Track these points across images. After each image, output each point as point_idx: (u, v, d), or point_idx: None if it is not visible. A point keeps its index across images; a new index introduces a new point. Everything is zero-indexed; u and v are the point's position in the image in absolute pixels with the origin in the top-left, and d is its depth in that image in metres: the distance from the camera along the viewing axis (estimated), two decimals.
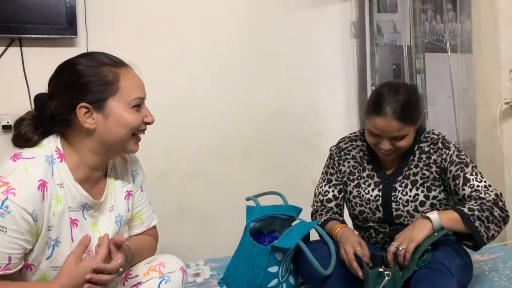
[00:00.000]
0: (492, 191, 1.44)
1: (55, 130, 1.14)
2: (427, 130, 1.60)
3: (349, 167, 1.65)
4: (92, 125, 1.11)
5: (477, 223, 1.35)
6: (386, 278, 1.32)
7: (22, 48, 1.93)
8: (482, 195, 1.42)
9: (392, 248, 1.36)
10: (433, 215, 1.36)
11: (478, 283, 1.59)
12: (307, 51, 2.49)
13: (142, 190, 1.34)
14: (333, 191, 1.68)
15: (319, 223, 1.62)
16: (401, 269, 1.35)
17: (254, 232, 1.60)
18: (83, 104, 1.09)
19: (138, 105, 1.16)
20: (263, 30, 2.38)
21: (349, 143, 1.69)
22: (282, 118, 2.45)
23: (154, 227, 1.39)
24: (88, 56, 1.16)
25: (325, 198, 1.69)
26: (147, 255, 1.31)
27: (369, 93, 2.44)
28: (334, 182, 1.68)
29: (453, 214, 1.38)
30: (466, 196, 1.45)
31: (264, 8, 2.38)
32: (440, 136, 1.56)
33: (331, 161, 1.70)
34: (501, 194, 1.45)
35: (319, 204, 1.70)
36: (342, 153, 1.68)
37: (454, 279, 1.31)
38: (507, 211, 1.40)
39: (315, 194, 1.74)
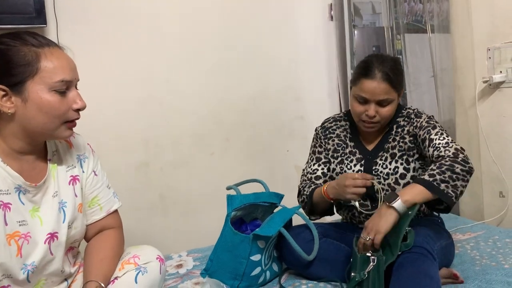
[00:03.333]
0: (451, 147, 1.43)
1: None
2: (404, 107, 1.66)
3: (333, 145, 1.69)
4: (11, 109, 1.04)
5: (442, 186, 1.34)
6: (372, 264, 1.32)
7: None
8: (442, 153, 1.42)
9: (361, 240, 1.37)
10: (396, 203, 1.33)
11: (460, 263, 1.61)
12: (287, 34, 2.46)
13: (96, 174, 1.28)
14: (322, 168, 1.70)
15: (306, 196, 1.64)
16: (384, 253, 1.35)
17: (236, 221, 1.59)
18: (0, 86, 1.03)
19: (63, 89, 1.07)
20: (241, 14, 2.34)
21: (334, 123, 1.74)
22: (263, 104, 2.42)
23: (116, 211, 1.32)
24: (12, 35, 1.07)
25: (313, 176, 1.70)
26: (117, 260, 1.24)
27: (349, 76, 2.43)
28: (323, 160, 1.71)
29: (417, 187, 1.35)
30: (430, 156, 1.47)
31: None
32: (414, 110, 1.62)
33: (318, 140, 1.74)
34: (461, 148, 1.44)
35: (307, 181, 1.71)
36: (327, 131, 1.72)
37: (437, 263, 1.31)
38: (469, 163, 1.39)
39: (303, 173, 1.75)
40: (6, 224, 1.06)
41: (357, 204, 1.55)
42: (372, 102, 1.51)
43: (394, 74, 1.51)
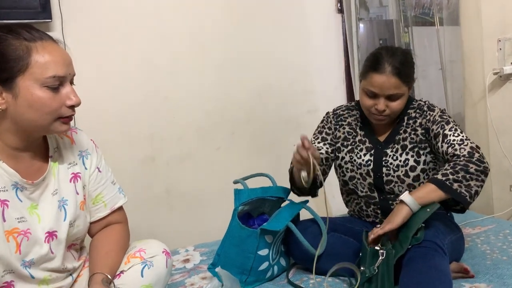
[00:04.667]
0: (467, 145, 1.41)
1: None
2: (415, 99, 1.63)
3: (344, 133, 1.66)
4: (2, 105, 1.01)
5: (455, 186, 1.33)
6: (381, 258, 1.31)
7: None
8: (457, 152, 1.40)
9: (373, 230, 1.37)
10: (405, 197, 1.34)
11: (471, 257, 1.59)
12: (294, 27, 2.43)
13: (100, 171, 1.25)
14: (327, 148, 1.65)
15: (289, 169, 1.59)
16: (394, 247, 1.33)
17: (244, 215, 1.57)
18: None
19: (56, 85, 1.03)
20: (248, 7, 2.31)
21: (346, 111, 1.71)
22: (269, 98, 2.40)
23: (121, 208, 1.30)
24: (5, 28, 1.03)
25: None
26: (123, 253, 1.24)
27: (355, 69, 2.41)
28: (329, 141, 1.67)
29: (429, 186, 1.36)
30: (444, 153, 1.45)
31: None
32: (426, 102, 1.60)
33: (328, 123, 1.70)
34: (477, 146, 1.42)
35: None
36: (339, 119, 1.69)
37: (447, 257, 1.30)
38: (484, 163, 1.37)
39: None
40: (4, 221, 1.05)
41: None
42: (381, 97, 1.48)
43: (405, 67, 1.47)
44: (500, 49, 2.20)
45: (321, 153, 1.63)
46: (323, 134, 1.68)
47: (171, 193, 2.21)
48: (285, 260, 1.60)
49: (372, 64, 1.49)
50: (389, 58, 1.46)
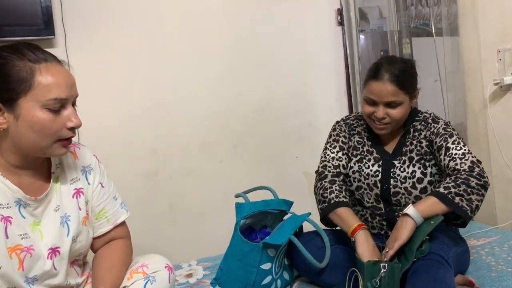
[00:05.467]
0: (468, 159, 1.42)
1: None
2: (421, 111, 1.63)
3: (354, 142, 1.66)
4: (3, 125, 1.02)
5: (456, 200, 1.33)
6: (382, 270, 1.29)
7: None
8: (458, 166, 1.40)
9: (386, 255, 1.34)
10: (409, 210, 1.34)
11: (475, 269, 1.58)
12: (295, 40, 2.45)
13: (103, 186, 1.25)
14: (345, 158, 1.61)
15: (331, 201, 1.48)
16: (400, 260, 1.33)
17: (246, 229, 1.57)
18: None
19: (57, 107, 1.03)
20: (248, 21, 2.33)
21: (355, 121, 1.71)
22: (270, 111, 2.41)
23: (123, 223, 1.30)
24: (10, 48, 1.02)
25: (341, 163, 1.60)
26: (125, 269, 1.23)
27: (356, 80, 2.42)
28: (345, 150, 1.64)
29: (431, 199, 1.36)
30: (446, 166, 1.45)
31: None
32: (431, 114, 1.60)
33: (342, 132, 1.66)
34: (478, 160, 1.42)
35: (332, 169, 1.58)
36: (351, 128, 1.68)
37: (452, 269, 1.29)
38: (485, 177, 1.37)
39: (324, 159, 1.62)
40: (7, 237, 1.05)
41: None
42: (380, 104, 1.49)
43: (403, 75, 1.48)
44: (500, 59, 2.21)
45: (343, 166, 1.60)
46: (340, 143, 1.63)
47: (174, 207, 2.21)
48: (288, 273, 1.59)
49: (372, 72, 1.52)
50: (388, 66, 1.49)
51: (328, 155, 1.62)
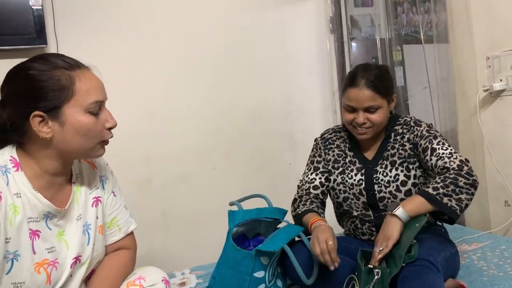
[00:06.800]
0: (456, 158, 1.44)
1: (11, 139, 1.08)
2: (401, 115, 1.67)
3: (333, 155, 1.69)
4: (49, 134, 1.04)
5: (445, 200, 1.35)
6: (376, 277, 1.30)
7: None
8: (447, 164, 1.42)
9: (375, 254, 1.34)
10: (398, 211, 1.36)
11: (467, 274, 1.58)
12: (285, 48, 2.47)
13: (115, 195, 1.28)
14: (320, 178, 1.69)
15: (299, 212, 1.60)
16: (388, 265, 1.33)
17: (239, 237, 1.57)
18: (36, 112, 1.02)
19: (97, 110, 1.08)
20: (239, 29, 2.35)
21: (333, 134, 1.74)
22: (263, 117, 2.42)
23: (132, 233, 1.32)
24: (41, 59, 1.06)
25: (312, 185, 1.68)
26: (121, 281, 1.23)
27: None
28: (321, 169, 1.70)
29: (418, 199, 1.37)
30: (433, 165, 1.47)
31: (240, 6, 2.35)
32: (412, 118, 1.63)
33: (317, 150, 1.74)
34: (466, 159, 1.44)
35: (303, 192, 1.69)
36: (327, 142, 1.72)
37: (441, 274, 1.29)
38: (473, 176, 1.39)
39: (300, 183, 1.73)
40: (34, 253, 1.05)
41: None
42: (359, 110, 1.53)
43: (379, 80, 1.52)
44: (489, 66, 2.23)
45: (316, 186, 1.67)
46: (315, 164, 1.71)
47: (168, 215, 2.21)
48: (281, 282, 1.59)
49: (348, 80, 1.57)
50: (363, 72, 1.53)
51: (306, 181, 1.71)
